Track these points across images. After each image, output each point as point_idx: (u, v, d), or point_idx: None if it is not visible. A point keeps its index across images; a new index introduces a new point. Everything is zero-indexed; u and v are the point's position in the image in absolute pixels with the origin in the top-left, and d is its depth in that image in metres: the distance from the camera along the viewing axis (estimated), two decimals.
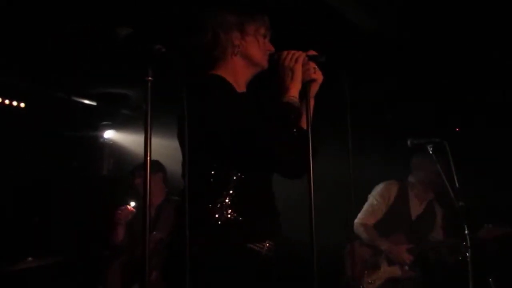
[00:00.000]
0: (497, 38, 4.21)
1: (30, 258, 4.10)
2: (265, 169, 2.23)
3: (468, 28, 4.12)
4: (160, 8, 3.59)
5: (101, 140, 6.08)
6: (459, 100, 5.05)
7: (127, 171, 4.82)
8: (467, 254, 3.58)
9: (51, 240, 4.88)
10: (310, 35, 3.66)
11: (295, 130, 2.14)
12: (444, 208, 4.50)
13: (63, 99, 5.48)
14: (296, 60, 2.20)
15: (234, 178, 2.11)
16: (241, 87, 2.27)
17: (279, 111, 2.15)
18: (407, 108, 5.26)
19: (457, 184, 3.76)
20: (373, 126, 4.95)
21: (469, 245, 3.59)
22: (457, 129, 5.27)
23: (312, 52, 2.24)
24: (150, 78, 1.67)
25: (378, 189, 4.45)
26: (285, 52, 2.23)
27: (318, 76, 2.25)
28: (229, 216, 2.07)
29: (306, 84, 2.22)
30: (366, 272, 4.23)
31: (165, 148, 3.68)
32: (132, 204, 4.38)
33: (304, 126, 2.17)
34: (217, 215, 2.06)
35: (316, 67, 2.24)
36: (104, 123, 6.07)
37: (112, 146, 6.13)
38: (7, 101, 5.17)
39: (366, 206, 4.41)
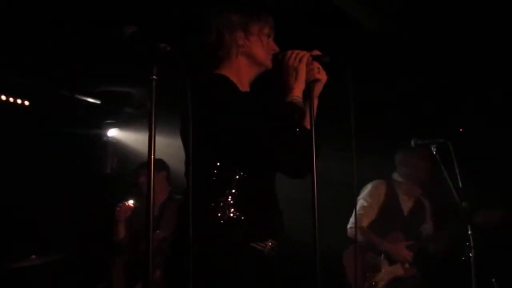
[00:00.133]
0: (499, 37, 4.20)
1: (33, 256, 4.11)
2: (268, 169, 2.24)
3: (470, 27, 4.11)
4: (165, 8, 3.59)
5: (105, 138, 6.09)
6: (461, 100, 5.05)
7: (131, 170, 4.84)
8: (470, 255, 3.58)
9: (54, 238, 4.88)
10: (314, 35, 3.65)
11: (298, 129, 2.14)
12: (432, 203, 4.52)
13: (66, 97, 5.49)
14: (300, 60, 2.20)
15: (237, 177, 2.12)
16: (244, 87, 2.27)
17: (283, 110, 2.15)
18: (410, 108, 5.25)
19: (460, 185, 3.76)
20: (377, 126, 4.94)
21: (472, 245, 3.58)
22: (461, 130, 5.26)
23: (316, 52, 2.24)
24: (154, 76, 1.67)
25: (367, 190, 4.42)
26: (289, 52, 2.24)
27: (322, 76, 2.25)
28: (231, 215, 2.07)
29: (310, 84, 2.22)
30: (367, 275, 4.20)
31: (168, 146, 3.68)
32: (131, 201, 4.39)
33: (308, 126, 2.17)
34: (219, 214, 2.06)
35: (320, 67, 2.24)
36: (108, 121, 6.07)
37: (115, 145, 6.14)
38: (11, 99, 5.18)
39: (357, 210, 4.35)
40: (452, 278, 4.21)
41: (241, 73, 2.26)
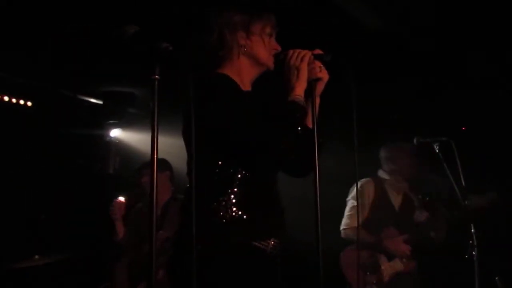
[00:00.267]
0: (501, 36, 4.20)
1: (36, 256, 4.11)
2: (270, 168, 2.24)
3: (472, 26, 4.11)
4: (166, 7, 3.59)
5: (107, 138, 6.09)
6: (464, 99, 5.04)
7: (133, 170, 4.84)
8: (474, 253, 3.57)
9: (57, 238, 4.89)
10: (316, 34, 3.66)
11: (300, 128, 2.15)
12: (419, 195, 4.52)
13: (69, 98, 5.50)
14: (302, 59, 2.20)
15: (239, 176, 2.12)
16: (246, 86, 2.28)
17: (284, 109, 2.15)
18: (412, 107, 5.25)
19: (463, 183, 3.76)
20: (379, 125, 4.94)
21: (475, 244, 3.58)
22: (463, 128, 5.26)
23: (318, 51, 2.24)
24: (157, 76, 1.68)
25: (355, 190, 4.38)
26: (291, 51, 2.24)
27: (324, 75, 2.25)
28: (233, 214, 2.08)
29: (311, 83, 2.22)
30: (368, 274, 4.19)
31: (171, 146, 3.68)
32: (121, 198, 4.41)
33: (310, 124, 2.18)
34: (222, 213, 2.07)
35: (321, 66, 2.24)
36: (111, 121, 6.07)
37: (118, 145, 6.14)
38: (14, 100, 5.19)
39: (348, 211, 4.36)
40: (456, 277, 4.21)
41: (242, 72, 2.27)
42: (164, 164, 4.50)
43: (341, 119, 3.31)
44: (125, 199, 4.48)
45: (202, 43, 2.26)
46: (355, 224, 4.24)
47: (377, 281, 4.16)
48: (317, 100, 2.26)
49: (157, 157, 1.71)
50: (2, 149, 4.86)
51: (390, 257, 4.24)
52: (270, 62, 2.29)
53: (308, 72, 2.21)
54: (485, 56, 4.44)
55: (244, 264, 2.07)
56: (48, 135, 5.29)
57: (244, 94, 2.21)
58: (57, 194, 5.18)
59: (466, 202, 3.71)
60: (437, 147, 3.92)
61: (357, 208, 4.22)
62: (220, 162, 2.13)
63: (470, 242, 3.61)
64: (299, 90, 2.18)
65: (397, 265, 4.23)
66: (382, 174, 4.51)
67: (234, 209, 2.08)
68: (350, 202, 4.37)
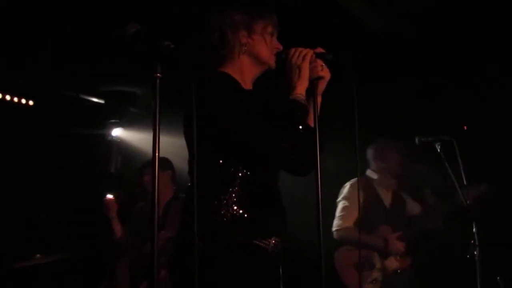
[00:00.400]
0: (503, 35, 4.19)
1: (38, 255, 4.12)
2: (271, 166, 2.24)
3: (474, 25, 4.11)
4: (168, 6, 3.59)
5: (109, 138, 6.09)
6: (465, 99, 5.04)
7: (135, 169, 4.84)
8: (475, 253, 3.57)
9: (58, 237, 4.90)
10: (318, 33, 3.65)
11: (301, 127, 2.14)
12: (408, 191, 4.55)
13: (71, 97, 5.50)
14: (304, 58, 2.20)
15: (240, 175, 2.12)
16: (247, 85, 2.28)
17: (286, 108, 2.15)
18: (414, 106, 5.24)
19: (465, 182, 3.76)
20: (380, 124, 4.94)
21: (477, 243, 3.57)
22: (465, 127, 5.25)
23: (319, 50, 2.24)
24: (158, 75, 1.68)
25: (345, 190, 4.40)
26: (293, 50, 2.24)
27: (326, 74, 2.25)
28: (234, 212, 2.08)
29: (313, 82, 2.22)
30: (363, 273, 4.17)
31: (173, 146, 3.68)
32: (109, 195, 4.42)
33: (311, 123, 2.17)
34: (223, 212, 2.07)
35: (323, 64, 2.24)
36: (112, 121, 6.08)
37: (119, 144, 6.14)
38: (16, 99, 5.19)
39: (339, 212, 4.33)
40: (457, 277, 4.21)
41: (244, 71, 2.26)
42: (166, 163, 4.50)
43: (340, 119, 3.32)
44: (114, 196, 4.49)
45: (204, 42, 2.26)
46: (347, 225, 4.23)
47: (372, 280, 4.14)
48: (319, 99, 2.25)
49: (158, 156, 1.70)
50: (3, 148, 4.87)
51: (386, 255, 4.23)
52: (271, 61, 2.28)
53: (310, 71, 2.21)
54: (486, 55, 4.43)
55: (245, 263, 2.07)
56: (50, 134, 5.29)
57: (246, 93, 2.21)
58: (58, 193, 5.18)
59: (468, 202, 3.71)
60: (439, 146, 3.92)
61: (358, 207, 4.21)
62: (221, 161, 2.13)
63: (472, 241, 3.60)
64: (301, 89, 2.18)
65: (392, 263, 4.22)
66: (370, 173, 4.51)
67: (235, 207, 2.08)
68: (341, 203, 4.36)
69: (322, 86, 2.26)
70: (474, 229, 3.62)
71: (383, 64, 4.54)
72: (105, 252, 4.84)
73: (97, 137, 5.95)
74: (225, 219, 2.06)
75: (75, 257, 4.51)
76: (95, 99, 5.75)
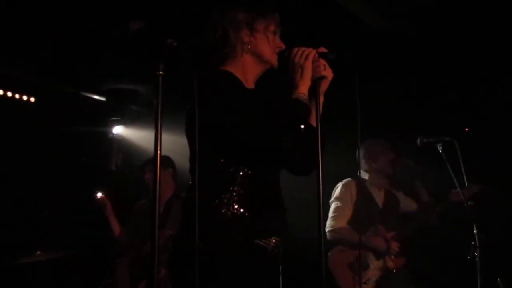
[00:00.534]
0: (507, 36, 4.19)
1: (38, 252, 4.12)
2: (272, 166, 2.24)
3: (477, 26, 4.10)
4: (171, 4, 3.59)
5: (110, 135, 6.10)
6: (468, 100, 5.04)
7: (136, 167, 4.84)
8: (476, 254, 3.57)
9: (59, 234, 4.90)
10: (321, 32, 3.65)
11: (303, 126, 2.14)
12: (400, 189, 4.56)
13: (72, 94, 5.50)
14: (306, 57, 2.20)
15: (241, 173, 2.12)
16: (249, 84, 2.27)
17: (288, 108, 2.15)
18: (416, 107, 5.24)
19: (466, 184, 3.76)
20: (382, 124, 4.94)
21: (477, 244, 3.57)
22: (466, 129, 5.25)
23: (322, 49, 2.23)
24: (161, 72, 1.67)
25: (337, 191, 4.38)
26: (295, 49, 2.23)
27: (328, 73, 2.24)
28: (235, 211, 2.07)
29: (316, 81, 2.21)
30: (356, 274, 4.12)
31: (174, 144, 3.69)
32: (99, 194, 4.42)
33: (313, 123, 2.17)
34: (223, 211, 2.06)
35: (326, 64, 2.23)
36: (113, 118, 6.08)
37: (120, 142, 6.15)
38: (17, 96, 5.19)
39: (331, 212, 4.30)
40: (457, 278, 4.21)
41: (246, 70, 2.26)
42: (167, 161, 4.50)
43: (341, 118, 3.31)
44: (105, 194, 4.50)
45: (206, 40, 2.26)
46: (340, 225, 4.21)
47: (366, 280, 4.13)
48: (321, 99, 2.25)
49: (160, 153, 1.70)
50: (4, 145, 4.87)
51: (379, 255, 4.23)
52: (274, 60, 2.28)
53: (313, 70, 2.20)
54: (488, 56, 4.43)
55: (245, 262, 2.07)
56: (51, 131, 5.29)
57: (248, 92, 2.21)
58: (59, 191, 5.18)
59: (469, 203, 3.71)
60: (440, 147, 3.92)
61: (360, 206, 4.21)
62: (222, 160, 2.13)
63: (473, 243, 3.60)
64: (303, 89, 2.18)
65: (386, 263, 4.21)
66: (362, 174, 4.50)
67: (236, 206, 2.08)
68: (334, 204, 4.33)
69: (324, 85, 2.25)
70: (474, 230, 3.62)
71: (385, 64, 4.54)
72: (105, 250, 4.84)
73: (98, 134, 5.96)
74: (225, 218, 2.06)
75: (76, 255, 4.51)
76: (96, 97, 5.75)
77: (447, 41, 4.37)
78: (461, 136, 4.02)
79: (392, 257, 4.21)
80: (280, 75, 2.24)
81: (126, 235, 4.59)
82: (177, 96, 2.54)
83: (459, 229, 4.00)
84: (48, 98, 5.38)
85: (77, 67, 4.89)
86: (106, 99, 5.80)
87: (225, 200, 2.08)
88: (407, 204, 4.52)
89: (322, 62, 2.22)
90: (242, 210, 2.08)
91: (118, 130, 6.13)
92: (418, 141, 4.05)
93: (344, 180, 4.42)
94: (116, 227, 4.52)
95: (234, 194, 2.09)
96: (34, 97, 5.30)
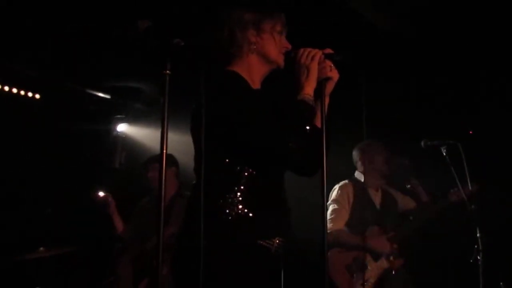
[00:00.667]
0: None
1: (41, 248, 4.13)
2: (277, 166, 2.24)
3: (482, 28, 4.10)
4: (178, 4, 3.59)
5: (114, 133, 6.10)
6: (472, 102, 5.03)
7: (139, 165, 4.84)
8: (479, 258, 3.56)
9: (62, 231, 4.90)
10: (327, 33, 3.65)
11: (308, 128, 2.14)
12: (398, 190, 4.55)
13: (77, 91, 5.51)
14: (312, 58, 2.20)
15: (246, 174, 2.12)
16: (255, 84, 2.27)
17: (293, 108, 2.15)
18: (420, 108, 5.24)
19: (470, 187, 3.76)
20: (387, 126, 4.93)
21: (480, 248, 3.57)
22: (470, 132, 5.24)
23: (328, 50, 2.24)
24: (168, 71, 1.68)
25: (334, 193, 4.37)
26: (302, 50, 2.23)
27: (334, 75, 2.24)
28: (239, 211, 2.07)
29: (321, 82, 2.22)
30: (354, 275, 4.14)
31: (177, 142, 3.69)
32: (101, 193, 4.42)
33: (319, 124, 2.17)
34: (228, 211, 2.07)
35: (332, 65, 2.23)
36: (118, 116, 6.09)
37: (124, 140, 6.15)
38: (22, 92, 5.20)
39: (329, 215, 4.28)
40: (460, 281, 4.20)
41: (252, 70, 2.26)
42: (170, 160, 4.50)
43: (344, 119, 3.31)
44: (107, 192, 4.50)
45: (213, 40, 2.26)
46: (337, 227, 4.21)
47: (364, 281, 4.13)
48: (327, 100, 2.25)
49: (166, 152, 1.70)
50: (8, 141, 4.88)
51: (377, 256, 4.22)
52: (280, 60, 2.28)
53: (318, 71, 2.20)
54: (495, 57, 4.43)
55: (248, 262, 2.06)
56: (55, 128, 5.29)
57: (254, 92, 2.21)
58: (63, 188, 5.19)
59: (473, 206, 3.71)
60: (444, 150, 3.92)
61: (357, 208, 4.21)
62: (227, 160, 2.13)
63: (476, 246, 3.59)
64: (309, 89, 2.18)
65: (384, 264, 4.21)
66: (358, 175, 4.49)
67: (240, 207, 2.08)
68: (331, 206, 4.32)
69: (330, 87, 2.25)
70: (478, 234, 3.62)
71: (390, 66, 4.53)
72: (108, 247, 4.85)
73: (102, 132, 5.96)
74: (230, 218, 2.06)
75: (79, 252, 4.52)
76: (101, 94, 5.75)
77: (451, 41, 4.37)
78: (465, 138, 4.02)
79: (391, 258, 4.20)
80: (286, 76, 2.24)
81: (129, 232, 4.59)
82: (182, 95, 2.54)
83: (460, 230, 4.00)
84: (53, 95, 5.38)
85: (82, 64, 4.89)
86: (111, 96, 5.80)
87: (230, 200, 2.08)
88: (405, 203, 4.52)
89: (328, 63, 2.22)
90: (246, 210, 2.08)
91: (122, 128, 6.13)
92: (422, 143, 4.05)
93: (341, 182, 4.42)
94: (119, 224, 4.53)
95: (239, 194, 2.09)
96: (39, 94, 5.31)
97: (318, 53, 2.20)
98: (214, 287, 1.98)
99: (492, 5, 3.83)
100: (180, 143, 3.29)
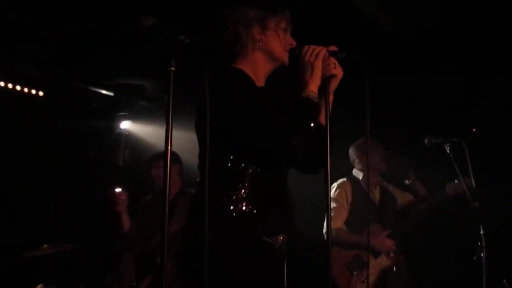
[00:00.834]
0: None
1: (45, 245, 4.14)
2: (282, 163, 2.24)
3: (486, 26, 4.09)
4: (183, 1, 3.59)
5: (118, 130, 6.11)
6: (475, 100, 5.02)
7: (143, 162, 4.84)
8: (482, 255, 3.56)
9: (66, 228, 4.91)
10: (331, 31, 3.65)
11: (312, 125, 2.14)
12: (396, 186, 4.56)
13: (80, 89, 5.51)
14: (317, 56, 2.20)
15: (250, 171, 2.12)
16: (260, 82, 2.28)
17: (297, 106, 2.15)
18: (424, 107, 5.23)
19: (473, 185, 3.75)
20: (391, 124, 4.93)
21: (484, 245, 3.57)
22: (474, 130, 5.23)
23: (333, 48, 2.24)
24: (173, 68, 1.68)
25: (332, 192, 4.37)
26: (306, 47, 2.24)
27: (338, 72, 2.25)
28: (244, 208, 2.08)
29: (326, 80, 2.21)
30: (354, 273, 4.14)
31: (180, 139, 3.68)
32: (118, 189, 4.41)
33: (323, 121, 2.17)
34: (232, 207, 2.07)
35: (336, 62, 2.23)
36: (121, 113, 6.09)
37: (128, 137, 6.16)
38: (25, 90, 5.21)
39: (326, 214, 4.31)
40: (462, 278, 4.20)
41: (257, 67, 2.26)
42: (173, 157, 4.49)
43: (348, 117, 3.31)
44: (123, 190, 4.49)
45: (217, 38, 2.27)
46: (336, 226, 4.20)
47: (364, 279, 4.12)
48: (331, 97, 2.25)
49: (171, 149, 1.71)
50: (11, 139, 4.88)
51: (377, 254, 4.22)
52: (284, 57, 2.28)
53: (323, 68, 2.21)
54: (499, 55, 4.42)
55: (252, 259, 2.07)
56: (59, 125, 5.30)
57: (258, 89, 2.21)
58: (66, 185, 5.20)
59: (476, 204, 3.70)
60: (448, 148, 3.91)
61: (368, 203, 4.20)
62: (231, 157, 2.13)
63: (479, 243, 3.59)
64: (313, 87, 2.18)
65: (384, 261, 4.21)
66: (356, 173, 4.50)
67: (245, 203, 2.09)
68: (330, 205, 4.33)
69: (334, 84, 2.26)
70: (481, 231, 3.62)
71: (396, 64, 4.53)
72: (112, 244, 4.85)
73: (105, 129, 5.97)
74: (234, 215, 2.07)
75: (82, 249, 4.52)
76: (104, 91, 5.75)
77: (454, 39, 4.36)
78: (469, 136, 4.01)
79: (391, 255, 4.21)
80: (291, 73, 2.24)
81: (134, 230, 4.59)
82: (186, 93, 2.54)
83: (463, 227, 4.00)
84: (56, 93, 5.38)
85: (85, 61, 4.89)
86: (114, 94, 5.80)
87: (234, 197, 2.09)
88: (404, 199, 4.52)
89: (333, 60, 2.23)
90: (250, 207, 2.09)
91: (125, 125, 6.13)
92: (426, 141, 4.05)
93: (339, 181, 4.43)
94: (126, 222, 4.52)
95: (243, 191, 2.10)
96: (43, 92, 5.31)
97: (322, 51, 2.21)
98: (218, 283, 1.98)
99: (495, 1, 3.82)
100: (183, 140, 3.29)
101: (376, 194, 4.43)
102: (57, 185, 5.16)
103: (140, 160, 5.32)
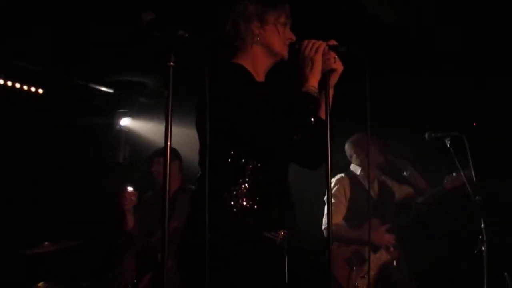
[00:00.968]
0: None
1: (46, 243, 4.14)
2: (282, 158, 2.24)
3: (489, 20, 4.08)
4: None
5: (118, 127, 6.10)
6: (476, 95, 5.02)
7: (143, 159, 4.84)
8: (483, 248, 3.56)
9: (66, 226, 4.92)
10: (331, 25, 3.64)
11: (312, 119, 2.14)
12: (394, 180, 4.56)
13: (80, 86, 5.51)
14: (317, 50, 2.19)
15: (251, 166, 2.12)
16: (260, 76, 2.27)
17: (298, 100, 2.15)
18: (424, 101, 5.23)
19: (474, 178, 3.75)
20: (391, 118, 4.93)
21: (485, 239, 3.57)
22: (474, 124, 5.23)
23: (333, 42, 2.23)
24: (172, 63, 1.68)
25: (331, 187, 4.36)
26: (306, 42, 2.23)
27: (338, 66, 2.24)
28: (244, 203, 2.08)
29: (326, 74, 2.21)
30: (354, 269, 4.14)
31: (180, 136, 3.68)
32: (130, 188, 4.40)
33: (323, 116, 2.17)
34: (232, 203, 2.08)
35: (336, 57, 2.23)
36: (121, 110, 6.08)
37: (128, 134, 6.15)
38: (25, 87, 5.20)
39: (327, 210, 4.32)
40: (464, 272, 4.20)
41: (256, 62, 2.26)
42: (174, 154, 4.49)
43: (348, 112, 3.31)
44: (134, 189, 4.48)
45: (216, 32, 2.26)
46: (335, 221, 4.20)
47: (364, 274, 4.12)
48: (331, 92, 2.24)
49: (170, 144, 1.70)
50: (11, 136, 4.88)
51: (376, 249, 4.22)
52: (284, 52, 2.28)
53: (323, 63, 2.20)
54: (500, 50, 4.41)
55: (253, 254, 2.07)
56: (59, 122, 5.30)
57: (258, 85, 2.21)
58: (66, 183, 5.19)
59: (477, 197, 3.70)
60: (449, 142, 3.91)
61: (369, 199, 4.20)
62: (232, 153, 2.13)
63: (480, 237, 3.59)
64: (313, 81, 2.18)
65: (383, 256, 4.21)
66: (353, 168, 4.50)
67: (245, 199, 2.09)
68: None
69: (334, 78, 2.25)
70: (482, 225, 3.62)
71: (396, 58, 4.52)
72: (112, 242, 4.85)
73: (105, 126, 5.96)
74: (234, 210, 2.07)
75: (82, 247, 4.52)
76: (104, 88, 5.75)
77: (455, 33, 4.35)
78: (469, 130, 4.01)
79: (391, 249, 4.21)
80: (290, 68, 2.24)
81: (137, 227, 4.59)
82: (186, 88, 2.54)
83: (464, 221, 4.00)
84: (56, 90, 5.37)
85: (85, 58, 4.89)
86: (114, 91, 5.80)
87: (234, 193, 2.09)
88: (402, 192, 4.51)
89: (332, 55, 2.22)
90: (251, 202, 2.09)
91: (125, 122, 6.12)
92: (426, 135, 4.05)
93: (337, 176, 4.42)
94: (130, 221, 4.51)
95: (243, 187, 2.10)
96: (42, 89, 5.31)
97: (322, 45, 2.20)
98: (219, 279, 1.98)
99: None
100: (184, 136, 3.29)
101: (374, 189, 4.43)
102: (57, 182, 5.15)
103: (140, 157, 5.32)
